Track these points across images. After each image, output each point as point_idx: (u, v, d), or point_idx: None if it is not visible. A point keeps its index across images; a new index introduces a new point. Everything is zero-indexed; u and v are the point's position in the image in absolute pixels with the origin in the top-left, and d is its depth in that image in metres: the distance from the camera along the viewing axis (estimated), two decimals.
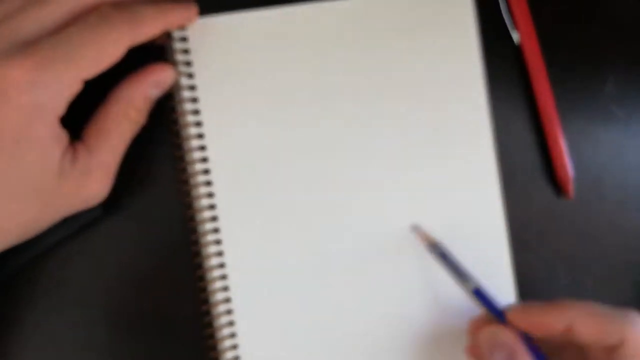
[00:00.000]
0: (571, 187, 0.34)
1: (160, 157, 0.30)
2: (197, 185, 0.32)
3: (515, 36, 0.35)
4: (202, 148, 0.32)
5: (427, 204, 0.33)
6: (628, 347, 0.27)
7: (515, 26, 0.35)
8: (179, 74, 0.31)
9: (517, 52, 0.35)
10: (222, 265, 0.32)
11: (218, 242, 0.32)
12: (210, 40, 0.32)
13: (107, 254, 0.33)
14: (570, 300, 0.29)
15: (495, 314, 0.30)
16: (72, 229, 0.31)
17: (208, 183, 0.32)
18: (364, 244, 0.33)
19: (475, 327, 0.31)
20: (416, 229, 0.33)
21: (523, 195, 0.35)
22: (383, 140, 0.33)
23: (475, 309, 0.31)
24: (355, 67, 0.33)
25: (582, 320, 0.28)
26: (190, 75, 0.31)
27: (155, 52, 0.29)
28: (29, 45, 0.26)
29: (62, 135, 0.27)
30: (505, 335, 0.29)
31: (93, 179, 0.28)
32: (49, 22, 0.27)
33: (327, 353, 0.33)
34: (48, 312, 0.33)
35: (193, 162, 0.32)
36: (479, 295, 0.31)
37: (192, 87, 0.31)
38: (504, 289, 0.33)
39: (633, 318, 0.28)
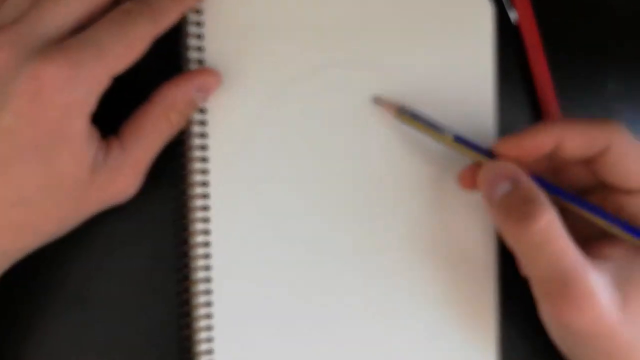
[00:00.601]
0: None
1: (162, 156, 0.30)
2: (194, 185, 0.31)
3: (513, 15, 0.35)
4: (204, 135, 0.32)
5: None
6: (613, 153, 0.29)
7: (513, 4, 0.34)
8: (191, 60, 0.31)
9: (515, 32, 0.35)
10: (208, 270, 0.32)
11: (207, 254, 0.32)
12: (223, 16, 0.32)
13: (106, 254, 0.33)
14: (551, 120, 0.30)
15: (483, 153, 0.30)
16: None
17: (204, 184, 0.31)
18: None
19: (465, 176, 0.32)
20: (378, 100, 0.32)
21: None
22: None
23: None
24: (367, 56, 0.33)
25: (569, 134, 0.29)
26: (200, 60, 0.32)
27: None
28: (56, 44, 0.26)
29: (94, 131, 0.28)
30: (505, 166, 0.29)
31: (123, 175, 0.29)
32: (70, 17, 0.27)
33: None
34: (47, 313, 0.32)
35: (193, 159, 0.31)
36: (462, 140, 0.31)
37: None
38: None
39: (615, 124, 0.29)
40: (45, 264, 0.32)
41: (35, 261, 0.30)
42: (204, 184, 0.31)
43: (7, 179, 0.26)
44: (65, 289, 0.33)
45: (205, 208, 0.31)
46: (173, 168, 0.32)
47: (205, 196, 0.31)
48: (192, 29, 0.31)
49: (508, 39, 0.34)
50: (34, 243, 0.29)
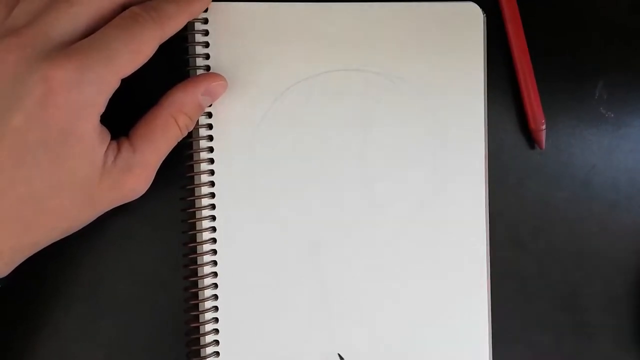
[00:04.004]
0: (543, 138, 0.35)
1: (171, 157, 0.31)
2: (201, 184, 0.32)
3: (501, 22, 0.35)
4: (210, 138, 0.33)
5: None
6: None
7: (501, 10, 0.35)
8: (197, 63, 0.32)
9: (502, 38, 0.35)
10: (214, 267, 0.33)
11: (214, 251, 0.33)
12: (228, 25, 0.33)
13: (116, 250, 0.33)
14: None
15: None
16: None
17: (212, 183, 0.32)
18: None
19: None
20: None
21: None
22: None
23: None
24: (364, 63, 0.34)
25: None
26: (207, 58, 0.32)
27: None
28: (65, 46, 0.27)
29: (104, 132, 0.28)
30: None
31: (133, 175, 0.29)
32: (80, 22, 0.28)
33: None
34: (56, 307, 0.33)
35: (200, 160, 0.32)
36: None
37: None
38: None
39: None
40: (55, 259, 0.33)
41: (45, 257, 0.30)
42: (211, 183, 0.32)
43: (18, 177, 0.26)
44: (75, 284, 0.33)
45: (212, 206, 0.32)
46: (181, 169, 0.32)
47: (212, 195, 0.32)
48: (198, 37, 0.32)
49: (495, 45, 0.35)
50: (45, 239, 0.29)
